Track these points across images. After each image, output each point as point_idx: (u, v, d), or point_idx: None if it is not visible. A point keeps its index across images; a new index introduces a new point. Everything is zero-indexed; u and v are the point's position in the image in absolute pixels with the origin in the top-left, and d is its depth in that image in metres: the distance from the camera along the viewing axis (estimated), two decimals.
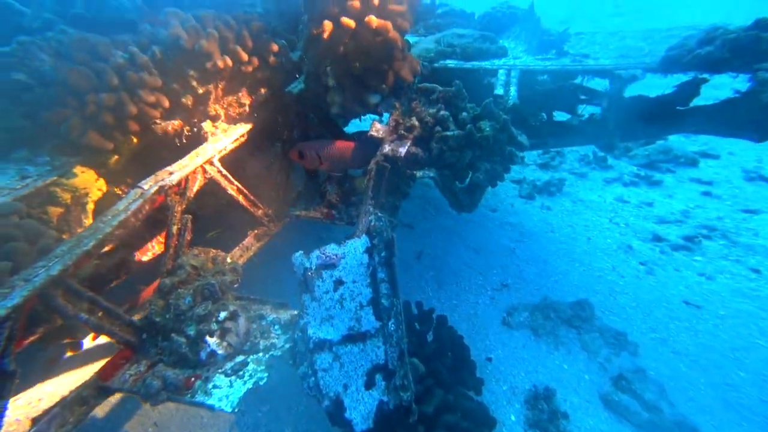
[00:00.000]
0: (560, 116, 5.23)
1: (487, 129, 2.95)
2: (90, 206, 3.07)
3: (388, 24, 2.96)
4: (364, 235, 2.67)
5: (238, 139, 3.26)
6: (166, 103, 2.92)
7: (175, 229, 2.76)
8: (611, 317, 4.83)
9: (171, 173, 2.80)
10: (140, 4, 3.83)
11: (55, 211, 2.88)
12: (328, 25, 3.04)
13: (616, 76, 3.99)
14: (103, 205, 3.15)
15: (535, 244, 6.35)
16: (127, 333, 2.41)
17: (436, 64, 4.42)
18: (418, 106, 3.47)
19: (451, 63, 4.39)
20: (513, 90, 3.64)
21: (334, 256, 2.62)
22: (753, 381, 4.12)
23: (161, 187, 2.66)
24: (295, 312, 2.83)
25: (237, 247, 3.56)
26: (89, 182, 2.96)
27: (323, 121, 4.15)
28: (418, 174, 3.10)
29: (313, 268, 2.61)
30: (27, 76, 3.33)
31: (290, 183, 4.12)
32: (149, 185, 2.67)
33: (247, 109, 3.34)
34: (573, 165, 8.90)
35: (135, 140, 3.00)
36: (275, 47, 3.21)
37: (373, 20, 2.92)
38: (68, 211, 2.93)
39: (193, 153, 3.01)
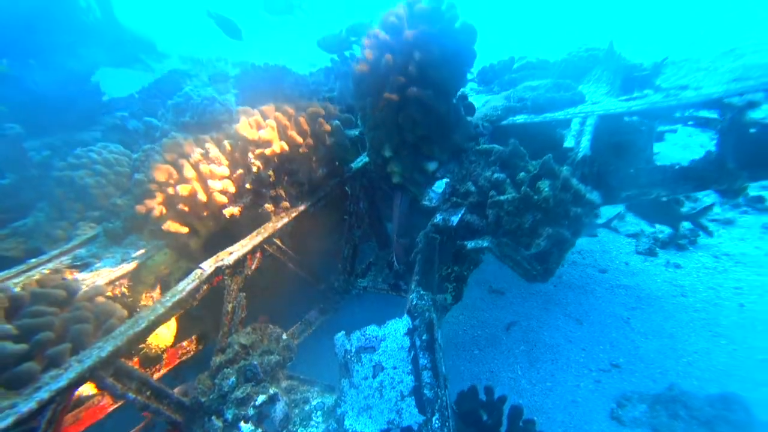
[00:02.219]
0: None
1: (546, 190, 2.58)
2: (172, 284, 3.43)
3: (428, 93, 2.90)
4: (405, 316, 2.45)
5: (297, 216, 3.40)
6: (233, 189, 3.22)
7: (230, 307, 2.89)
8: None
9: (230, 253, 3.00)
10: (231, 108, 4.48)
11: (142, 289, 3.29)
12: (376, 102, 3.12)
13: (727, 106, 3.27)
14: None
15: (657, 312, 5.21)
16: (174, 413, 2.50)
17: (503, 122, 4.18)
18: (475, 169, 3.26)
19: (520, 119, 4.11)
20: (585, 140, 3.20)
21: (374, 339, 2.43)
22: None
23: (218, 268, 2.85)
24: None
25: (300, 322, 3.59)
26: (171, 263, 3.34)
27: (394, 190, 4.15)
28: (470, 245, 2.81)
29: (353, 351, 2.45)
30: (143, 175, 4.04)
31: (357, 255, 4.11)
32: (209, 265, 2.88)
33: (306, 187, 3.51)
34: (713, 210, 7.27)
35: (210, 224, 3.34)
36: (328, 128, 3.37)
37: (413, 91, 2.90)
38: (152, 289, 3.32)
39: (255, 233, 3.21)
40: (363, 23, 8.43)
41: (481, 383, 4.44)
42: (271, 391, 2.51)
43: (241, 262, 3.02)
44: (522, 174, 2.79)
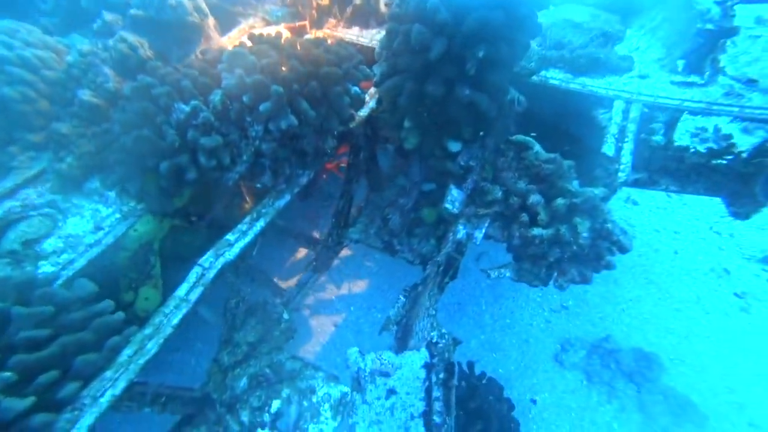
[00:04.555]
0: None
1: (585, 234, 2.46)
2: (156, 246, 3.13)
3: (483, 98, 2.36)
4: (424, 349, 2.53)
5: (298, 191, 3.03)
6: (227, 161, 2.68)
7: (233, 302, 2.75)
8: (682, 369, 4.43)
9: (230, 244, 2.70)
10: (201, 3, 3.38)
11: (124, 255, 2.97)
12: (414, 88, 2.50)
13: None
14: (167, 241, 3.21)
15: None
16: (187, 408, 2.60)
17: (536, 77, 3.64)
18: (506, 168, 2.95)
19: (555, 78, 3.57)
20: (628, 153, 2.94)
21: (390, 366, 2.53)
22: None
23: (222, 268, 2.60)
24: (345, 389, 2.88)
25: (296, 286, 3.56)
26: (154, 230, 2.97)
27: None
28: (493, 274, 2.76)
29: (367, 371, 2.55)
30: (92, 94, 3.18)
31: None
32: (209, 262, 2.61)
33: (311, 158, 3.03)
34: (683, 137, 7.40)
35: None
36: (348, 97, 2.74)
37: (466, 95, 2.34)
38: (136, 254, 3.01)
39: (254, 214, 2.85)
40: None
41: (450, 315, 4.98)
42: (284, 394, 2.65)
43: (243, 253, 2.75)
44: (560, 201, 2.59)
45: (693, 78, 3.27)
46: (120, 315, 2.40)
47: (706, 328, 4.92)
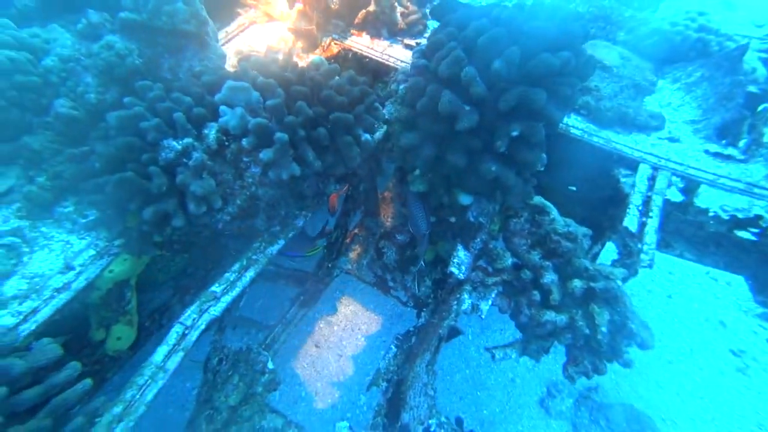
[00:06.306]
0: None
1: (603, 328, 2.28)
2: (133, 281, 2.87)
3: (509, 176, 2.12)
4: None
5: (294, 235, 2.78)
6: (218, 204, 2.41)
7: (215, 360, 2.52)
8: None
9: (216, 297, 2.45)
10: (200, 11, 3.02)
11: (96, 294, 2.70)
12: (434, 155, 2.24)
13: None
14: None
15: None
16: None
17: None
18: (518, 231, 2.73)
19: (576, 128, 3.32)
20: (652, 230, 2.74)
21: None
22: None
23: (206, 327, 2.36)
24: None
25: (280, 323, 3.34)
26: (132, 268, 2.69)
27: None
28: (498, 355, 2.57)
29: None
30: (71, 105, 2.84)
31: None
32: (192, 319, 2.36)
33: (309, 201, 2.77)
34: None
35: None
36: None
37: (491, 171, 2.09)
38: (110, 293, 2.74)
39: (245, 261, 2.60)
40: None
41: None
42: None
43: (229, 307, 2.51)
44: (576, 284, 2.39)
45: (731, 151, 3.04)
46: (87, 383, 2.13)
47: (699, 386, 4.77)
